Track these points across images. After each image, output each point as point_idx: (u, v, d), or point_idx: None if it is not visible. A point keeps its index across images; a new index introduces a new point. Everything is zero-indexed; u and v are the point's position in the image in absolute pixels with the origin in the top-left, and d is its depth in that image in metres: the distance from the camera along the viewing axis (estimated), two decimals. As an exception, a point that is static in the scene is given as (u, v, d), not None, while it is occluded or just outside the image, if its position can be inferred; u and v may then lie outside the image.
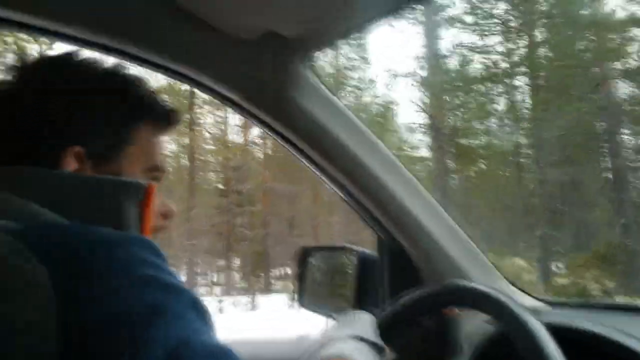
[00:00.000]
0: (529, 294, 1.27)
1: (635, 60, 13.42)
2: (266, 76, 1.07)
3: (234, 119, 18.94)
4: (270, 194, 18.43)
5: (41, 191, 0.68)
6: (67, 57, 0.81)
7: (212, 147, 19.72)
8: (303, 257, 1.32)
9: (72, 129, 0.75)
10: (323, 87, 1.11)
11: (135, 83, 0.85)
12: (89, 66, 0.82)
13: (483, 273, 1.21)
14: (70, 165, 0.73)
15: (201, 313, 0.59)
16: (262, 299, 16.34)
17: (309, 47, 1.05)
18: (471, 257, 1.22)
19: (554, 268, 13.39)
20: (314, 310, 1.30)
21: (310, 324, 1.26)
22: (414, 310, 0.98)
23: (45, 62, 0.80)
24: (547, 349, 0.73)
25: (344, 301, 1.21)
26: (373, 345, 0.89)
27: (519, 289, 1.28)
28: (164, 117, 0.87)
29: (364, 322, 0.96)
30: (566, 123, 14.47)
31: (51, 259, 0.55)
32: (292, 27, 0.99)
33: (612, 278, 11.20)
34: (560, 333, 0.83)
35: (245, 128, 18.76)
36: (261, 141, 19.16)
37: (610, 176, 13.98)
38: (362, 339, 0.88)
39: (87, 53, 0.84)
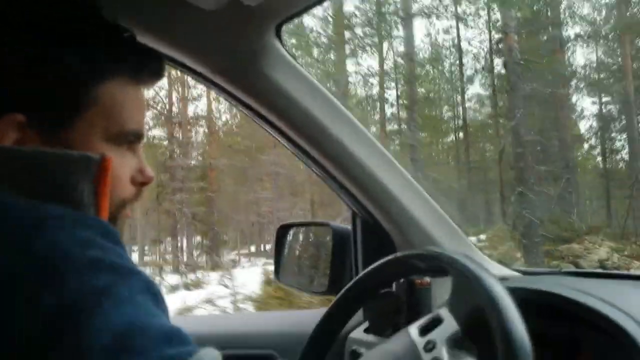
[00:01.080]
0: (501, 264, 1.33)
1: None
2: (233, 47, 1.06)
3: (178, 91, 18.42)
4: (215, 170, 18.17)
5: None
6: None
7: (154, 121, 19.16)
8: (281, 233, 1.34)
9: (9, 91, 0.62)
10: (292, 58, 1.11)
11: (105, 19, 0.68)
12: None
13: (455, 243, 1.26)
14: (8, 136, 0.62)
15: (154, 296, 0.56)
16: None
17: (277, 17, 1.04)
18: (444, 227, 1.25)
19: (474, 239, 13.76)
20: (291, 285, 1.33)
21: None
22: (381, 278, 1.00)
23: None
24: (506, 310, 0.74)
25: (320, 275, 1.23)
26: None
27: (491, 258, 1.33)
28: (143, 69, 0.71)
29: None
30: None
31: None
32: (258, -4, 0.97)
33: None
34: (526, 297, 0.90)
35: (183, 100, 18.28)
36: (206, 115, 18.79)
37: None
38: None
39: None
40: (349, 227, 1.30)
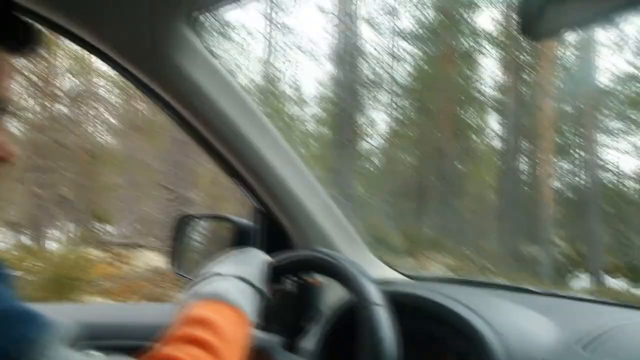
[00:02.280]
0: (395, 269, 1.43)
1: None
2: (143, 32, 1.06)
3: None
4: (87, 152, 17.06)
5: None
6: None
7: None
8: (180, 224, 1.34)
9: None
10: (206, 50, 1.12)
11: None
12: None
13: (351, 245, 1.34)
14: None
15: (2, 277, 0.55)
16: None
17: (189, 5, 1.05)
18: (341, 230, 1.33)
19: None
20: (187, 277, 1.34)
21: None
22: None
23: None
24: (379, 316, 0.84)
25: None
26: (255, 288, 0.89)
27: (386, 263, 1.43)
28: (16, 39, 0.69)
29: (253, 263, 0.95)
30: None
31: None
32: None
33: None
34: (403, 301, 1.00)
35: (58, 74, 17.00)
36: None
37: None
38: (244, 280, 0.88)
39: None
40: (250, 221, 1.35)
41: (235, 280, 0.88)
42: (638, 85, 16.42)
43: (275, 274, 1.01)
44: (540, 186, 13.46)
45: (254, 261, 0.96)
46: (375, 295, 0.87)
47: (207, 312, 0.79)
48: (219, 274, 0.89)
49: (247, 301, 0.86)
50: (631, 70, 16.51)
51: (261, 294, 0.91)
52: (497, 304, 1.13)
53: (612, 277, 13.36)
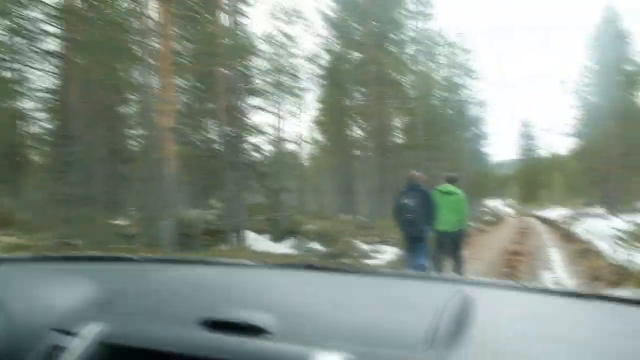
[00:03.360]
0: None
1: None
2: None
3: None
4: None
5: None
6: None
7: None
8: None
9: None
10: None
11: None
12: None
13: None
14: None
15: None
16: None
17: None
18: None
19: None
20: None
21: None
22: None
23: None
24: None
25: None
26: None
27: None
28: None
29: None
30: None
31: None
32: None
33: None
34: None
35: None
36: None
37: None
38: None
39: None
40: None
41: None
42: (283, 51, 17.83)
43: None
44: (166, 148, 12.22)
45: None
46: None
47: None
48: None
49: None
50: (280, 36, 17.87)
51: None
52: (25, 279, 1.23)
53: (260, 235, 14.32)
